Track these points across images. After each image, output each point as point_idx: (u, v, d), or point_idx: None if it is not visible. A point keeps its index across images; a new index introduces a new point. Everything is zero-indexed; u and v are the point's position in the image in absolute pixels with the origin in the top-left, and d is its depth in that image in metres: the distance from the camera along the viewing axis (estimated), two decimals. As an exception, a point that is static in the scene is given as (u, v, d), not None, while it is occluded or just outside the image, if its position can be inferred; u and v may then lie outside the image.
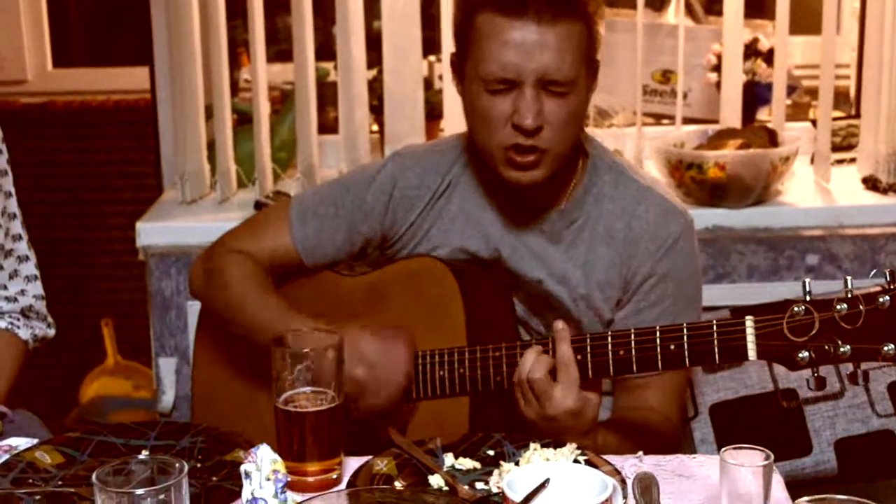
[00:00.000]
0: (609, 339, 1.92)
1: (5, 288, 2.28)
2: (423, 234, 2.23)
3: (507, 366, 2.02)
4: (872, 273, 1.78)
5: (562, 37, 1.97)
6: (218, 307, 2.29)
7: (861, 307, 1.72)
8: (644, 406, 2.13)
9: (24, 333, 2.29)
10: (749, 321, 1.80)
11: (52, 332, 2.36)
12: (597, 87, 2.11)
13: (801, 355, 1.76)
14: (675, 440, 2.16)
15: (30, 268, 2.32)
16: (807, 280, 1.78)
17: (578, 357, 1.94)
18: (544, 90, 1.99)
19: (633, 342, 1.90)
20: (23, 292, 2.30)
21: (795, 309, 1.76)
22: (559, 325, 1.94)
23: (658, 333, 1.88)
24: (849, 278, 1.75)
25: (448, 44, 3.16)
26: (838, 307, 1.73)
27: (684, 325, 1.87)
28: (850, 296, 1.73)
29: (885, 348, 1.71)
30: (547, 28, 1.96)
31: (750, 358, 1.81)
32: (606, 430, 2.03)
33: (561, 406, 1.91)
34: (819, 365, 1.77)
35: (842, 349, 1.74)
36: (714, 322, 1.84)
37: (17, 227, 2.30)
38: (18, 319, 2.29)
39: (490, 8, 1.99)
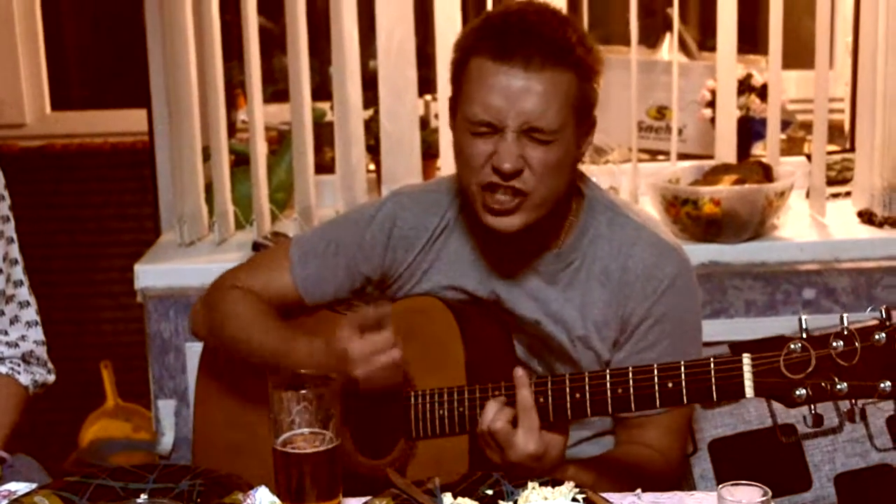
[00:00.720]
0: (608, 377, 1.92)
1: (6, 333, 2.28)
2: (421, 274, 2.24)
3: (506, 405, 2.02)
4: (869, 308, 1.78)
5: (548, 84, 1.98)
6: (223, 341, 2.30)
7: (857, 344, 1.72)
8: (642, 443, 2.13)
9: (24, 379, 2.29)
10: (746, 358, 1.80)
11: (52, 377, 2.36)
12: (591, 141, 2.13)
13: (797, 393, 1.76)
14: (672, 479, 2.16)
15: (31, 313, 2.32)
16: (803, 317, 1.78)
17: (577, 395, 1.94)
18: (527, 137, 2.00)
19: (630, 380, 1.90)
20: (24, 338, 2.30)
21: (792, 346, 1.76)
22: (519, 371, 1.95)
23: (656, 371, 1.88)
24: (845, 315, 1.75)
25: (444, 84, 3.18)
26: (834, 344, 1.73)
27: (682, 362, 1.87)
28: (846, 332, 1.73)
29: (882, 385, 1.71)
30: (533, 75, 1.97)
31: (747, 395, 1.81)
32: (598, 467, 2.04)
33: (523, 452, 1.93)
34: (816, 402, 1.77)
35: (838, 386, 1.74)
36: (711, 360, 1.84)
37: (18, 272, 2.31)
38: (19, 365, 2.30)
39: (484, 52, 2.01)
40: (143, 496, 1.84)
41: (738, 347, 1.86)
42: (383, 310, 2.09)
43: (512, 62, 1.98)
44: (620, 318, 2.14)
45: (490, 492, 1.85)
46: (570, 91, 2.01)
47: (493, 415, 1.95)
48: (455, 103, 2.10)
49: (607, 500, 1.76)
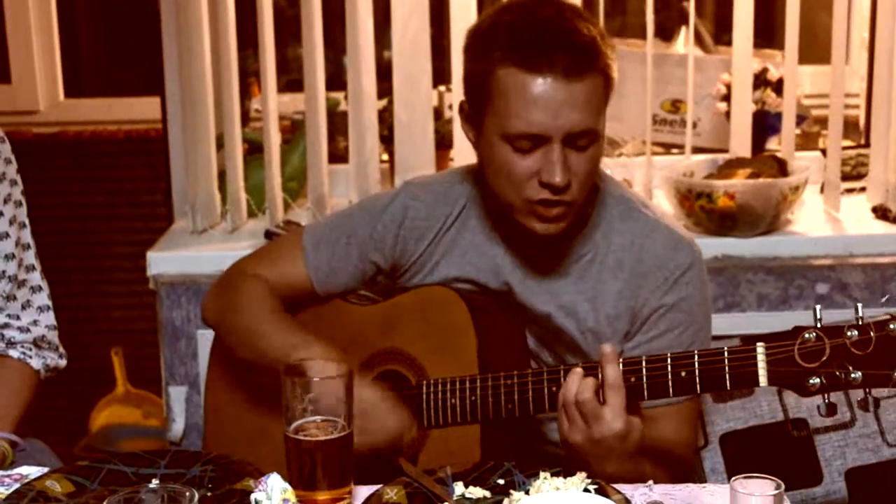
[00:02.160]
0: (621, 366, 1.91)
1: (18, 318, 2.29)
2: (432, 265, 2.24)
3: (518, 394, 2.03)
4: (884, 300, 1.78)
5: (586, 91, 1.97)
6: (232, 332, 2.30)
7: (872, 334, 1.72)
8: (658, 436, 2.12)
9: (36, 363, 2.30)
10: (760, 347, 1.80)
11: (63, 362, 2.37)
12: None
13: (811, 381, 1.76)
14: (689, 469, 2.16)
15: (43, 298, 2.33)
16: (818, 307, 1.78)
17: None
18: (570, 146, 1.98)
19: (644, 369, 1.90)
20: (35, 322, 2.31)
21: (806, 335, 1.76)
22: (607, 348, 1.90)
23: (669, 360, 1.88)
24: (859, 305, 1.75)
25: (458, 76, 3.17)
26: (849, 333, 1.73)
27: (695, 351, 1.87)
28: (860, 322, 1.73)
29: (896, 375, 1.71)
30: (574, 84, 1.95)
31: (761, 384, 1.81)
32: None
33: (610, 428, 1.87)
34: (830, 391, 1.77)
35: (853, 375, 1.74)
36: (725, 349, 1.84)
37: (30, 257, 2.32)
38: (31, 349, 2.30)
39: (513, 62, 1.97)
40: (155, 481, 1.84)
41: (750, 340, 1.85)
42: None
43: (549, 72, 1.94)
44: (632, 310, 2.14)
45: (502, 481, 1.85)
46: (601, 93, 2.01)
47: (578, 385, 1.90)
48: (479, 113, 2.06)
49: (619, 491, 1.76)
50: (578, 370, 1.92)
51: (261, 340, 2.21)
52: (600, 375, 1.90)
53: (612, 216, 2.17)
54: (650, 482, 1.85)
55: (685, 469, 2.14)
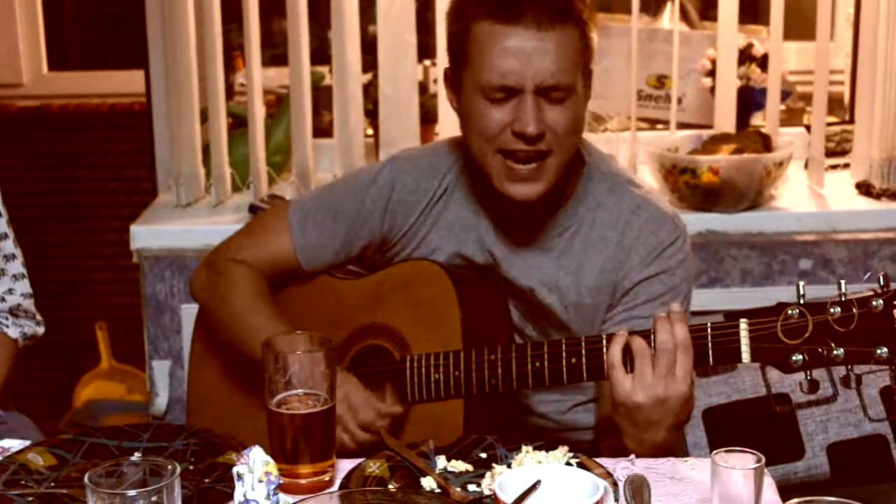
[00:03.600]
0: (604, 341, 1.92)
1: None
2: (420, 239, 2.24)
3: (502, 368, 2.03)
4: (866, 277, 1.79)
5: (559, 42, 1.97)
6: (219, 319, 2.30)
7: (854, 310, 1.73)
8: None
9: (13, 332, 2.29)
10: (743, 324, 1.81)
11: (41, 329, 2.35)
12: (591, 95, 2.11)
13: (794, 358, 1.77)
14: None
15: (17, 266, 2.31)
16: (801, 283, 1.79)
17: (573, 360, 1.94)
18: (544, 97, 1.98)
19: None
20: (10, 291, 2.29)
21: (789, 312, 1.77)
22: (675, 306, 1.87)
23: (653, 335, 1.87)
24: (843, 282, 1.76)
25: (443, 49, 3.17)
26: (832, 310, 1.74)
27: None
28: (843, 299, 1.74)
29: (878, 352, 1.72)
30: (545, 34, 1.96)
31: (744, 360, 1.81)
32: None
33: (679, 388, 1.83)
34: (812, 368, 1.78)
35: (835, 352, 1.74)
36: (708, 324, 1.85)
37: (2, 225, 2.29)
38: (7, 318, 2.29)
39: (486, 16, 1.98)
40: (137, 455, 1.84)
41: (733, 316, 1.86)
42: (396, 409, 2.10)
43: (521, 23, 1.95)
44: (614, 283, 2.14)
45: (484, 455, 1.86)
46: (577, 46, 2.00)
47: (667, 336, 1.82)
48: (458, 74, 2.08)
49: (601, 465, 1.77)
50: (664, 316, 1.85)
51: (245, 332, 2.21)
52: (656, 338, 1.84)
53: (599, 191, 2.16)
54: (632, 456, 1.85)
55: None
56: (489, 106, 2.00)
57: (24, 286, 2.32)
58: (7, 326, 2.28)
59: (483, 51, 1.99)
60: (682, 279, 2.15)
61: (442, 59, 3.24)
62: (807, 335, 1.76)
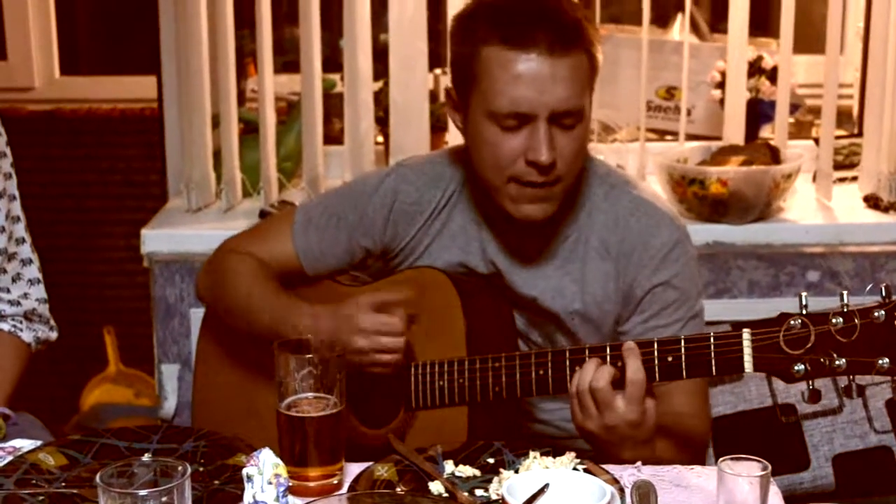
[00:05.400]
0: (608, 351, 1.93)
1: (8, 291, 2.29)
2: (423, 249, 2.24)
3: (506, 376, 2.03)
4: (868, 289, 1.79)
5: (571, 68, 1.97)
6: (224, 306, 2.30)
7: (856, 321, 1.73)
8: (672, 411, 2.10)
9: (27, 336, 2.30)
10: (746, 334, 1.81)
11: (54, 334, 2.37)
12: (600, 104, 2.12)
13: (796, 368, 1.78)
14: (705, 442, 2.15)
15: (33, 271, 2.33)
16: (804, 294, 1.79)
17: (577, 368, 1.94)
18: (556, 124, 1.99)
19: None
20: (26, 295, 2.31)
21: (792, 322, 1.77)
22: (629, 344, 1.90)
23: (656, 346, 1.88)
24: (845, 292, 1.76)
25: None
26: (834, 321, 1.74)
27: (682, 337, 1.88)
28: (846, 310, 1.74)
29: (880, 362, 1.72)
30: (558, 60, 1.95)
31: (746, 370, 1.82)
32: (662, 437, 2.01)
33: (623, 417, 1.87)
34: (814, 378, 1.78)
35: (837, 362, 1.75)
36: (711, 334, 1.85)
37: (20, 230, 2.31)
38: (21, 322, 2.30)
39: (497, 41, 1.98)
40: (147, 455, 1.85)
41: (739, 327, 1.86)
42: (400, 296, 2.10)
43: (534, 49, 1.95)
44: (622, 291, 2.14)
45: (491, 460, 1.87)
46: (586, 72, 2.01)
47: (594, 373, 1.89)
48: (464, 94, 2.07)
49: (608, 471, 1.78)
50: (595, 359, 1.91)
51: (251, 310, 2.22)
52: (619, 364, 1.89)
53: (597, 195, 2.17)
54: (638, 463, 1.86)
55: (703, 441, 2.13)
56: (500, 134, 2.00)
57: (40, 291, 2.34)
58: (21, 330, 2.30)
59: (494, 76, 1.98)
60: (692, 280, 2.15)
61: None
62: (809, 345, 1.77)
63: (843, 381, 1.79)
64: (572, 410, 1.93)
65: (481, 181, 2.10)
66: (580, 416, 1.92)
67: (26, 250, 2.32)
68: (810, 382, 1.79)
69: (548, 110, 1.97)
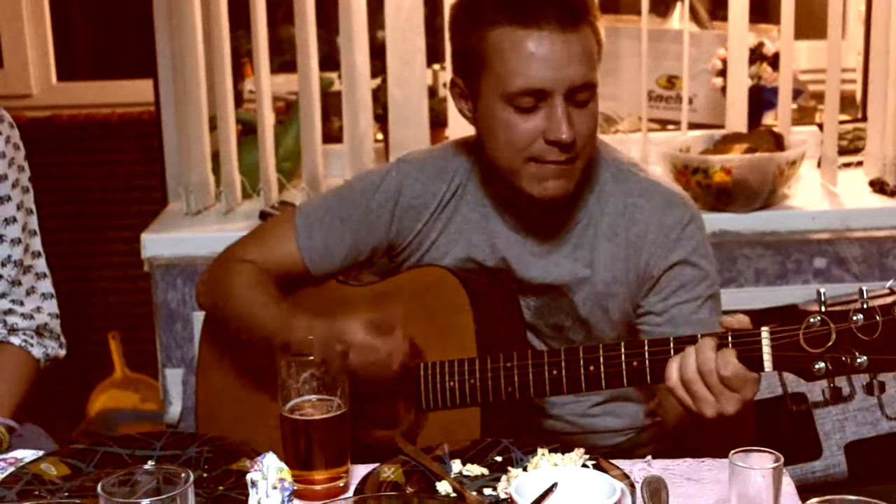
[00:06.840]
0: (622, 349, 1.90)
1: (22, 304, 2.27)
2: (429, 244, 2.22)
3: (518, 376, 2.01)
4: (890, 282, 1.76)
5: (583, 42, 1.96)
6: (225, 317, 2.28)
7: (878, 318, 1.70)
8: None
9: (36, 352, 2.28)
10: (765, 332, 1.78)
11: (63, 352, 2.35)
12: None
13: (817, 366, 1.74)
14: (750, 423, 2.10)
15: (46, 285, 2.31)
16: (822, 290, 1.76)
17: (591, 368, 1.92)
18: (571, 101, 1.97)
19: (646, 353, 1.88)
20: (39, 310, 2.29)
21: (811, 320, 1.74)
22: (736, 322, 1.84)
23: (672, 344, 1.86)
24: (864, 288, 1.73)
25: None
26: (854, 318, 1.71)
27: (698, 335, 1.85)
28: (866, 306, 1.71)
29: (903, 360, 1.69)
30: (569, 35, 1.94)
31: (766, 369, 1.78)
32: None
33: (741, 396, 1.80)
34: (835, 376, 1.75)
35: (858, 360, 1.71)
36: (729, 333, 1.82)
37: (37, 244, 2.30)
38: (32, 338, 2.28)
39: (506, 21, 1.96)
40: (151, 463, 1.84)
41: (755, 316, 1.83)
42: (396, 313, 2.08)
43: (546, 26, 1.93)
44: (636, 272, 2.12)
45: (499, 458, 1.85)
46: (593, 45, 2.00)
47: (716, 360, 1.78)
48: (473, 82, 2.05)
49: (618, 467, 1.76)
50: (709, 342, 1.81)
51: (248, 325, 2.20)
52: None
53: (605, 179, 2.15)
54: (648, 458, 1.84)
55: (747, 423, 2.05)
56: (516, 115, 1.98)
57: (52, 306, 2.32)
58: (32, 346, 2.27)
59: (506, 58, 1.96)
60: (707, 258, 2.13)
61: (451, 63, 3.23)
62: (830, 343, 1.73)
63: (862, 377, 1.76)
64: (680, 400, 1.84)
65: (496, 166, 2.08)
66: (694, 404, 1.82)
67: (42, 264, 2.31)
68: (831, 381, 1.76)
69: (565, 86, 1.95)
